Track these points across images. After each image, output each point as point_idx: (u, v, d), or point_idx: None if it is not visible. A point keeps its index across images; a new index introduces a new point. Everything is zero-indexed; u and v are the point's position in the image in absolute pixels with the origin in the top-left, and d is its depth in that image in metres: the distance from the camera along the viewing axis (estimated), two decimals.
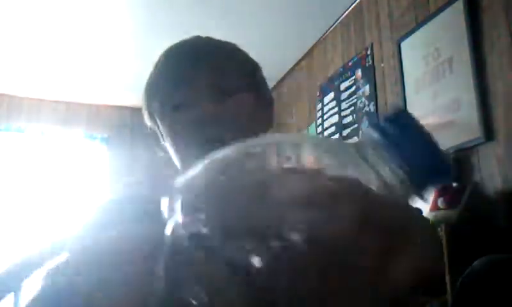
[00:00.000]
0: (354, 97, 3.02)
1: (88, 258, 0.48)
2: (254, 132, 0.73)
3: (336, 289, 0.24)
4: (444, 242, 1.70)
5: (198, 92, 0.69)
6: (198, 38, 0.76)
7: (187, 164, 0.72)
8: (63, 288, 0.46)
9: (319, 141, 0.29)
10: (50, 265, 0.56)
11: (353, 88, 3.03)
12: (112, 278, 0.45)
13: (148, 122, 0.79)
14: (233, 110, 0.69)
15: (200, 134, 0.67)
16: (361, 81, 2.95)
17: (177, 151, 0.72)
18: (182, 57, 0.73)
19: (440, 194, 1.98)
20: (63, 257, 0.59)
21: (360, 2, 3.04)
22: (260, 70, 0.80)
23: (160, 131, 0.75)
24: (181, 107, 0.69)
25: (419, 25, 2.43)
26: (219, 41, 0.76)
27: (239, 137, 0.68)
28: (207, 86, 0.69)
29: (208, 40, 0.76)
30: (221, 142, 0.66)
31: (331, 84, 3.31)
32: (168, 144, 0.74)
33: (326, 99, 3.36)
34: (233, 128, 0.68)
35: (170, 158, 0.77)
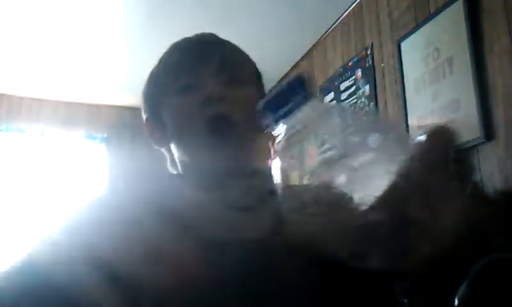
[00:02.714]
0: (354, 97, 3.01)
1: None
2: (254, 123, 0.74)
3: None
4: None
5: (206, 76, 0.69)
6: (203, 33, 0.76)
7: (189, 146, 0.70)
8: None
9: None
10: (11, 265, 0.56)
11: (353, 88, 3.03)
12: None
13: (145, 114, 0.77)
14: (240, 95, 0.69)
15: (206, 112, 0.66)
16: (361, 81, 2.95)
17: (181, 134, 0.70)
18: (190, 47, 0.73)
19: None
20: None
21: (359, 2, 3.04)
22: (261, 76, 0.81)
23: (160, 120, 0.74)
24: (188, 89, 0.69)
25: (419, 25, 2.43)
26: (224, 39, 0.77)
27: (244, 119, 0.69)
28: (215, 72, 0.69)
29: (214, 35, 0.77)
30: (227, 121, 0.65)
31: (331, 84, 3.31)
32: (169, 132, 0.72)
33: (326, 99, 3.35)
34: (240, 109, 0.68)
35: (164, 151, 0.77)
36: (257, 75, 0.79)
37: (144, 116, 0.78)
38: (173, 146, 0.73)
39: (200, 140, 0.67)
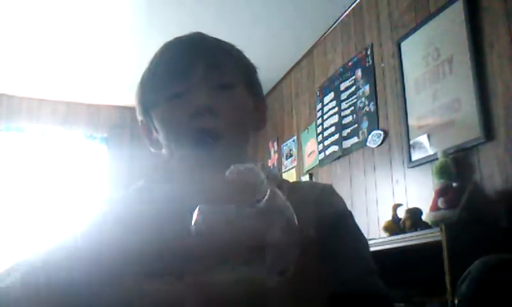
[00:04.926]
0: (354, 97, 3.01)
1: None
2: (246, 127, 0.73)
3: None
4: (444, 242, 1.70)
5: (194, 84, 0.69)
6: (195, 33, 0.75)
7: (179, 155, 0.71)
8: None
9: None
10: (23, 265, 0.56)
11: (353, 88, 3.03)
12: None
13: (139, 116, 0.78)
14: (227, 103, 0.69)
15: (194, 124, 0.67)
16: (361, 81, 2.95)
17: (169, 142, 0.71)
18: (178, 51, 0.73)
19: (440, 194, 1.98)
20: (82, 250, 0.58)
21: (359, 2, 3.04)
22: (256, 72, 0.79)
23: (152, 124, 0.75)
24: (176, 97, 0.69)
25: (419, 25, 2.43)
26: (216, 38, 0.76)
27: (232, 126, 0.69)
28: (203, 79, 0.69)
29: (205, 36, 0.76)
30: (214, 133, 0.66)
31: (331, 84, 3.31)
32: (160, 136, 0.73)
33: (326, 99, 3.35)
34: (227, 120, 0.68)
35: (160, 154, 0.77)
36: (249, 72, 0.77)
37: (139, 118, 0.79)
38: (164, 151, 0.74)
39: (188, 151, 0.68)
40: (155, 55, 0.75)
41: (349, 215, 0.73)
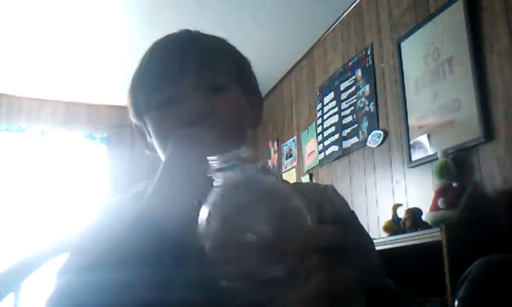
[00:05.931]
0: (354, 97, 3.01)
1: (96, 260, 0.50)
2: (243, 127, 0.71)
3: None
4: (444, 242, 1.70)
5: (186, 87, 0.67)
6: (185, 32, 0.73)
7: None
8: (78, 286, 0.49)
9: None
10: (60, 264, 0.57)
11: (353, 88, 3.03)
12: (118, 280, 0.47)
13: (133, 119, 0.76)
14: (222, 106, 0.67)
15: (188, 130, 0.64)
16: (361, 81, 2.95)
17: (163, 148, 0.68)
18: (169, 52, 0.70)
19: (439, 194, 1.98)
20: (67, 257, 0.60)
21: (359, 2, 3.04)
22: (250, 66, 0.77)
23: (146, 128, 0.73)
24: (168, 103, 0.67)
25: (419, 25, 2.43)
26: (207, 36, 0.74)
27: (228, 132, 0.68)
28: (194, 82, 0.67)
29: (196, 34, 0.73)
30: (209, 138, 0.65)
31: (331, 84, 3.31)
32: (154, 141, 0.71)
33: (326, 99, 3.35)
34: (223, 123, 0.66)
35: (156, 157, 0.76)
36: (243, 69, 0.75)
37: (132, 121, 0.77)
38: (160, 154, 0.72)
39: (179, 158, 0.66)
40: (145, 56, 0.73)
41: (352, 216, 0.73)
